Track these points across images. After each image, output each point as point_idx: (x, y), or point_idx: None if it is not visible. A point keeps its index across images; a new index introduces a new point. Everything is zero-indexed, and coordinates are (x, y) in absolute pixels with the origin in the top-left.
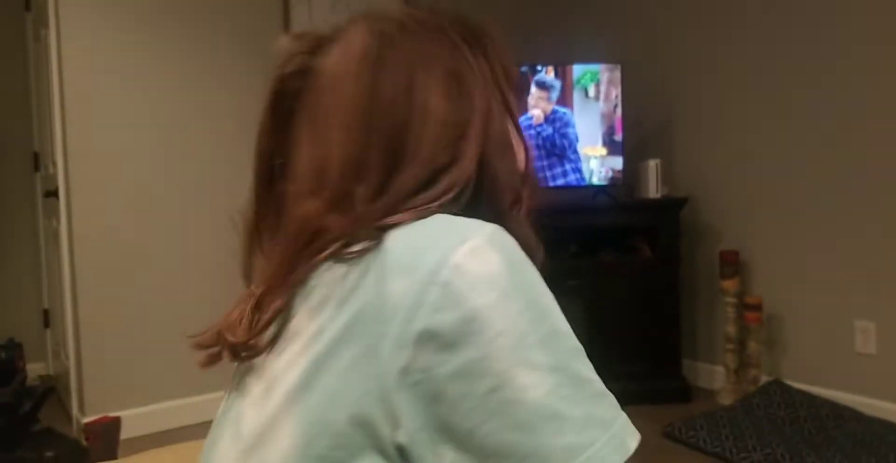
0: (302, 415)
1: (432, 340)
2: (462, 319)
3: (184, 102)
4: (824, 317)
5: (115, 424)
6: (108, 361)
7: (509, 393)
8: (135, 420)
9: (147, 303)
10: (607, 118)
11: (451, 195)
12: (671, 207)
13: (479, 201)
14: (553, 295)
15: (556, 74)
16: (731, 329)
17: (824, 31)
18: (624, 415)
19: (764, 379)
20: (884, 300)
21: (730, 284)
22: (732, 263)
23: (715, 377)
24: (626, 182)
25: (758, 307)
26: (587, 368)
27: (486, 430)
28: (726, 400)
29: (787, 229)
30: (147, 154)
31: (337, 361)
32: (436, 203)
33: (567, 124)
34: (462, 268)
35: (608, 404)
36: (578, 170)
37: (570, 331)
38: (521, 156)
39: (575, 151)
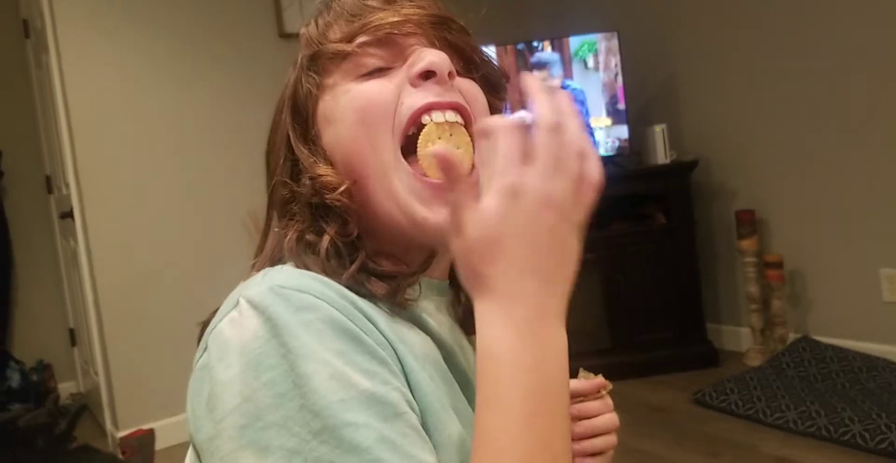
0: None
1: (192, 412)
2: (208, 394)
3: (191, 115)
4: (847, 268)
5: (150, 436)
6: (138, 374)
7: None
8: (169, 430)
9: (170, 313)
10: (609, 87)
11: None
12: (681, 172)
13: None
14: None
15: (553, 48)
16: (754, 289)
17: None
18: None
19: (791, 337)
20: None
21: (748, 244)
22: (749, 222)
23: (741, 339)
24: (633, 150)
25: (779, 265)
26: (353, 453)
27: None
28: (755, 361)
29: (802, 183)
30: (158, 168)
31: None
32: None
33: (580, 102)
34: (219, 335)
35: None
36: None
37: (350, 399)
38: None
39: (588, 126)
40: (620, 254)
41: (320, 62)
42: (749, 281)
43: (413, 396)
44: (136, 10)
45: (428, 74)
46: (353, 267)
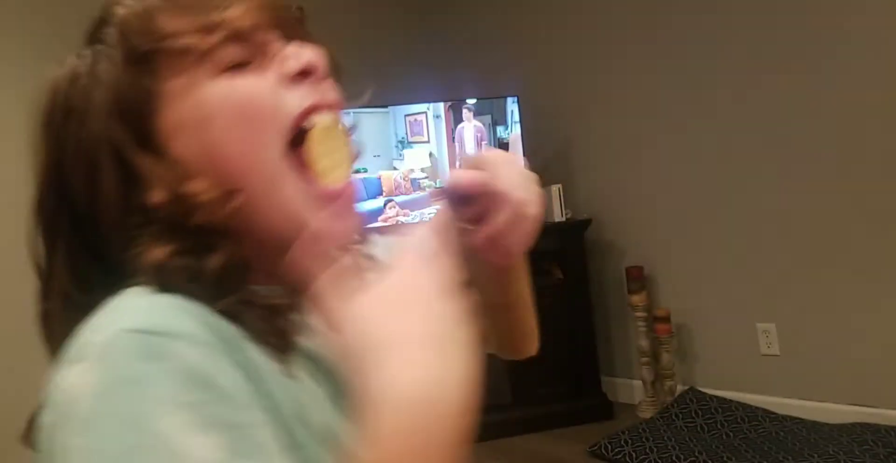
0: None
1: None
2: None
3: None
4: (729, 322)
5: None
6: None
7: None
8: None
9: None
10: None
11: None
12: (576, 229)
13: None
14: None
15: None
16: (644, 342)
17: (700, 56)
18: None
19: (679, 389)
20: (781, 302)
21: (638, 299)
22: (638, 278)
23: (634, 391)
24: None
25: (666, 319)
26: None
27: None
28: (646, 413)
29: (687, 241)
30: None
31: None
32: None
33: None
34: (57, 390)
35: None
36: None
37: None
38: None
39: None
40: None
41: (161, 59)
42: (640, 335)
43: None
44: None
45: (305, 74)
46: (233, 296)
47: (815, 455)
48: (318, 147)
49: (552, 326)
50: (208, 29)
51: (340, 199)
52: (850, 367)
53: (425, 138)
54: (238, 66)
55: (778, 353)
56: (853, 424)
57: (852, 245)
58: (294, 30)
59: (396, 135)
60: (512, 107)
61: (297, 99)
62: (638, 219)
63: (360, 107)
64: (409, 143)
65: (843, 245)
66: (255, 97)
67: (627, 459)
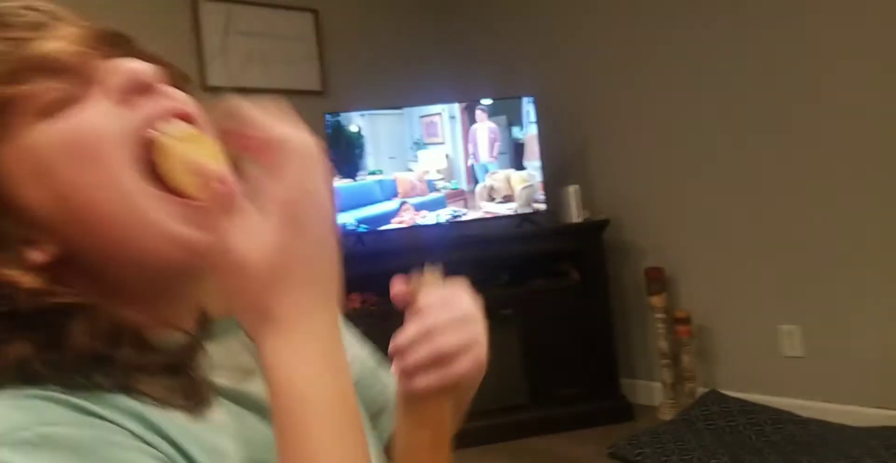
0: None
1: None
2: None
3: None
4: (750, 324)
5: None
6: None
7: None
8: None
9: None
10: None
11: None
12: (594, 230)
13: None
14: None
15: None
16: (664, 344)
17: (719, 56)
18: None
19: (700, 391)
20: (805, 303)
21: (657, 300)
22: (658, 280)
23: (654, 393)
24: (548, 209)
25: (686, 320)
26: None
27: None
28: (667, 415)
29: (707, 242)
30: None
31: None
32: None
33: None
34: None
35: None
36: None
37: None
38: None
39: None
40: (537, 310)
41: None
42: (659, 336)
43: None
44: None
45: (135, 87)
46: (117, 373)
47: (841, 458)
48: (175, 156)
49: (570, 327)
50: (16, 72)
51: (216, 205)
52: (876, 369)
53: (440, 139)
54: (64, 103)
55: (802, 354)
56: (881, 428)
57: (878, 244)
58: (124, 52)
59: (412, 136)
60: (528, 107)
61: (135, 115)
62: (657, 219)
63: (375, 108)
64: (425, 144)
65: (869, 244)
66: (86, 128)
67: (648, 461)
